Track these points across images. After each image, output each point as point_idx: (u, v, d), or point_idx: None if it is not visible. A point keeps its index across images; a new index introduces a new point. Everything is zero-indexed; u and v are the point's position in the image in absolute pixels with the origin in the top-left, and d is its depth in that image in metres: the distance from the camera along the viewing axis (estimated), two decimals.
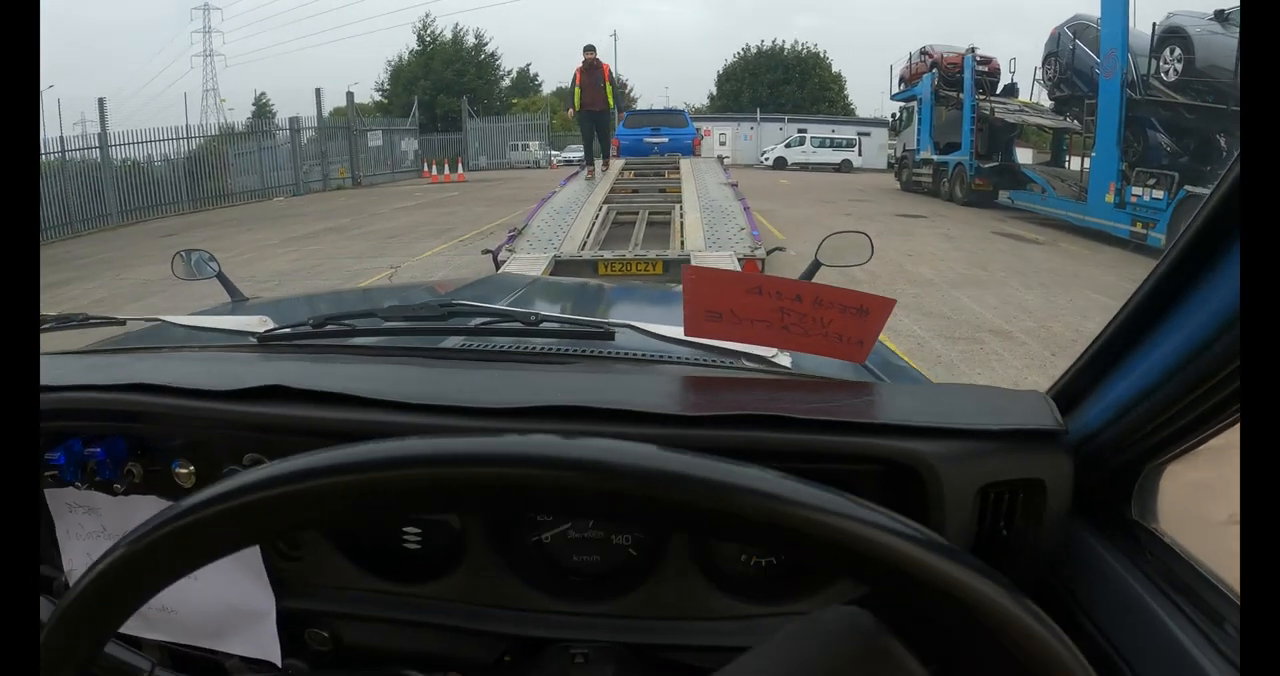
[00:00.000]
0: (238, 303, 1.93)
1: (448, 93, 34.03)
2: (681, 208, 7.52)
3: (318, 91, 22.03)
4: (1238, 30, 8.57)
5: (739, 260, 5.56)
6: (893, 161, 22.30)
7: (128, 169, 16.57)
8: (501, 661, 0.84)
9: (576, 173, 10.55)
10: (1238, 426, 0.59)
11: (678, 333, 1.02)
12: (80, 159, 15.56)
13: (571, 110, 10.57)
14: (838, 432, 0.75)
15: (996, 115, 14.71)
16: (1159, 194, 9.49)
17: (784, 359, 1.06)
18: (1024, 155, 16.35)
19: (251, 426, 0.81)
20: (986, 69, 15.94)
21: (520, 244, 6.17)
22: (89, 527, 0.89)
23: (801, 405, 0.78)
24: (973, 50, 15.74)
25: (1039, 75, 14.32)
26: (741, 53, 40.28)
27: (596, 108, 10.32)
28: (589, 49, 10.30)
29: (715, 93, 41.02)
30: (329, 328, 1.13)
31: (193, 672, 0.88)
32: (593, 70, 10.13)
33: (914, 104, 18.14)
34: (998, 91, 15.82)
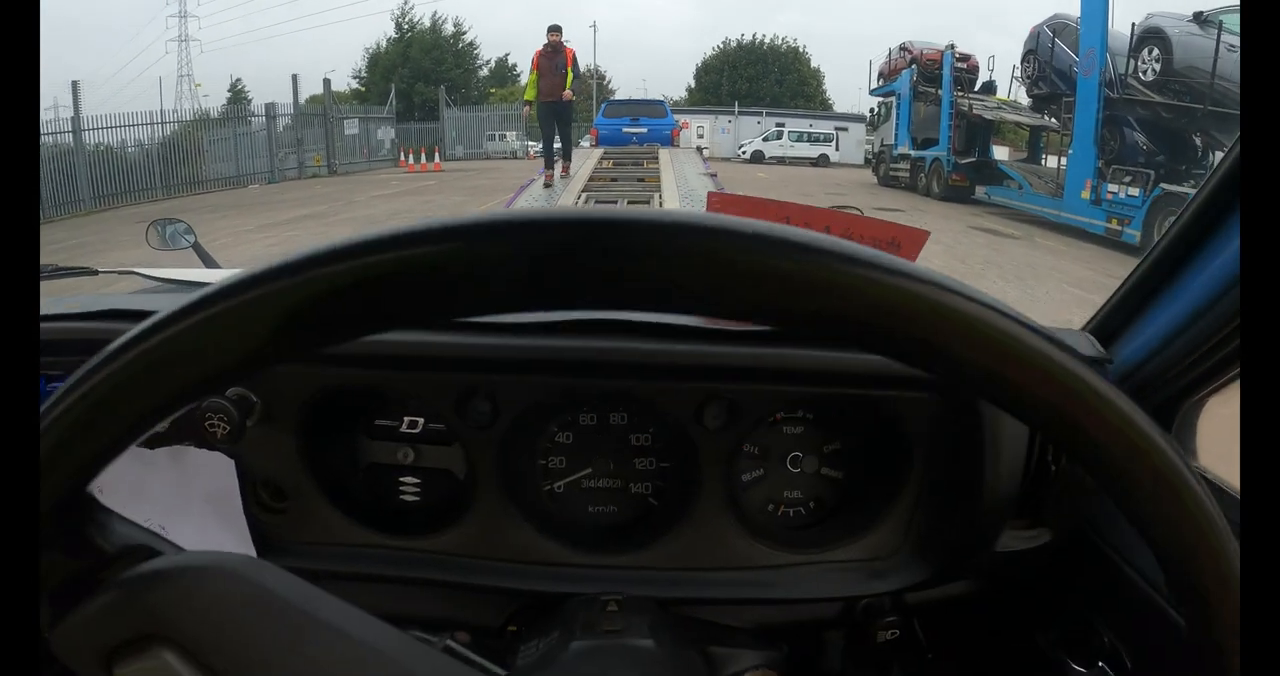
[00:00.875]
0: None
1: (425, 81, 33.60)
2: (660, 197, 7.51)
3: (294, 78, 21.68)
4: (1215, 32, 8.70)
5: None
6: (869, 156, 22.35)
7: (101, 154, 16.20)
8: (508, 625, 0.80)
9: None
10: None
11: None
12: (53, 143, 15.16)
13: (527, 108, 8.97)
14: None
15: (975, 112, 14.80)
16: (1134, 191, 9.61)
17: None
18: (1001, 152, 16.49)
19: None
20: (965, 66, 16.06)
21: None
22: None
23: None
24: (952, 47, 15.84)
25: (1018, 72, 14.45)
26: (721, 46, 40.32)
27: (555, 98, 8.48)
28: (554, 29, 8.62)
29: (693, 85, 40.92)
30: None
31: None
32: (554, 55, 8.43)
33: (892, 99, 18.19)
34: (976, 89, 15.94)
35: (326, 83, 24.80)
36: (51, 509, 0.30)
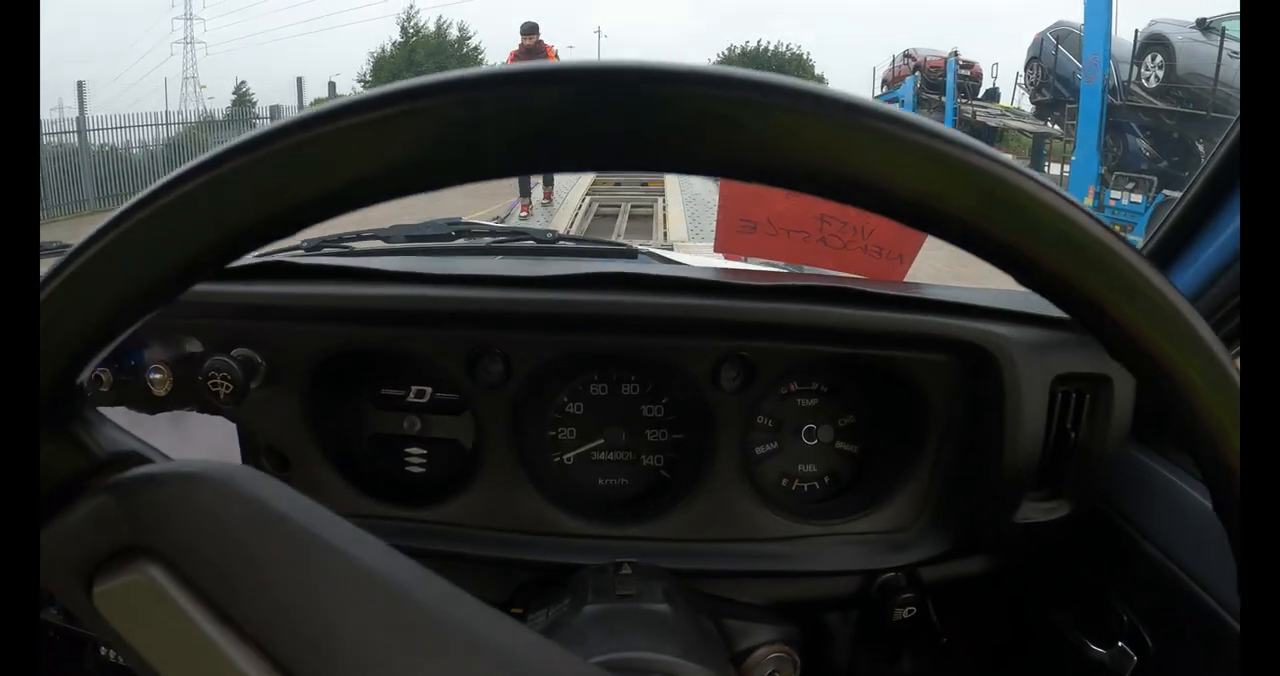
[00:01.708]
0: None
1: None
2: (664, 201, 7.52)
3: (299, 80, 21.69)
4: (1219, 38, 8.70)
5: None
6: None
7: (105, 154, 16.19)
8: (511, 605, 0.75)
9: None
10: None
11: (700, 261, 0.98)
12: (58, 143, 15.19)
13: None
14: (911, 309, 0.71)
15: (978, 118, 14.79)
16: (1137, 198, 9.59)
17: None
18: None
19: (244, 308, 0.74)
20: (969, 73, 16.05)
21: None
22: None
23: (869, 285, 0.75)
24: (955, 54, 15.85)
25: (1021, 79, 14.45)
26: (725, 53, 40.40)
27: None
28: (530, 30, 7.62)
29: None
30: (325, 250, 1.06)
31: None
32: (531, 58, 7.12)
33: (896, 106, 18.19)
34: (979, 96, 15.94)
35: (332, 85, 24.89)
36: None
